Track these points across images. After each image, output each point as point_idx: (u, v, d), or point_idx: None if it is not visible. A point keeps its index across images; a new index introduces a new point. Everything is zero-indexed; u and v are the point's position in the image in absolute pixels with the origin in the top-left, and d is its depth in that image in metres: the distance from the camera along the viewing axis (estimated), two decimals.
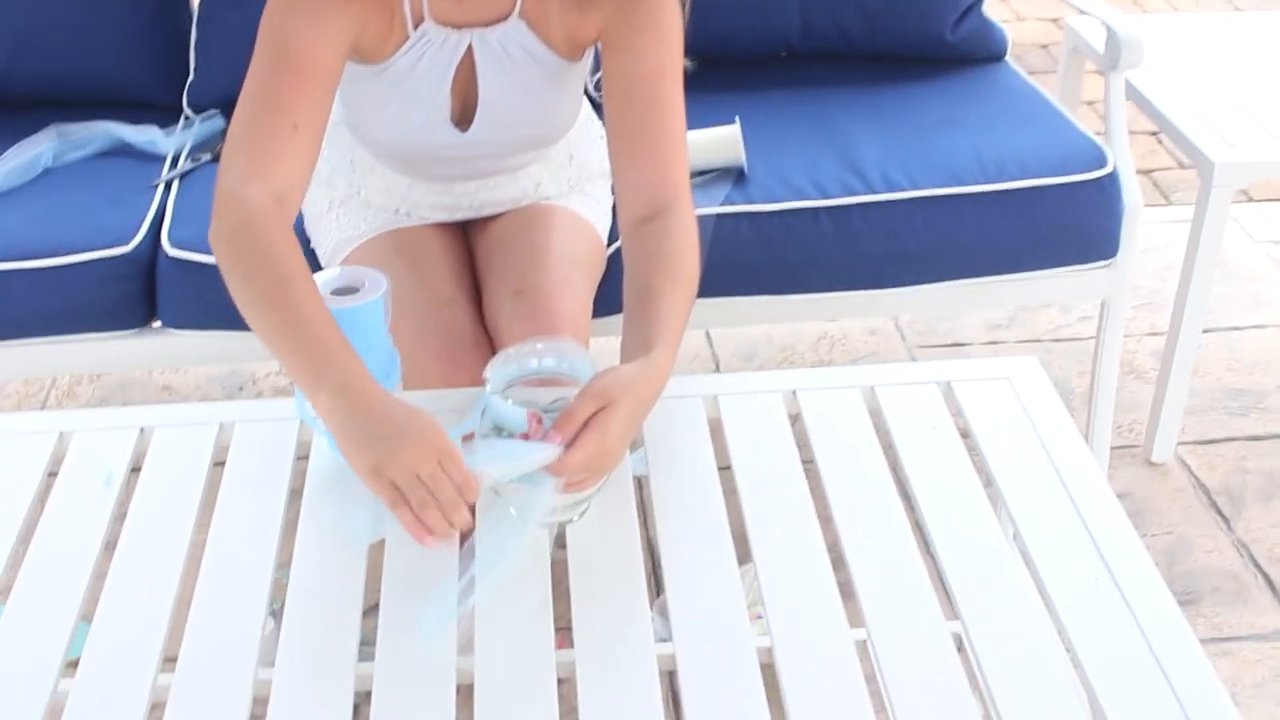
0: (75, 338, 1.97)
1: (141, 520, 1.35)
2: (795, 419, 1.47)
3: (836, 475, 1.38)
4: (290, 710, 1.14)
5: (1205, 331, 2.66)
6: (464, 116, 1.63)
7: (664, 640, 1.20)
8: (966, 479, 1.37)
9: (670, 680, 1.18)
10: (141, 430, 1.47)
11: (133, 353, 2.00)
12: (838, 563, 1.27)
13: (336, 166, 1.82)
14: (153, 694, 1.17)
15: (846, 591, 1.24)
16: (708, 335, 2.70)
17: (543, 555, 1.29)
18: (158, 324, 1.99)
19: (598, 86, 1.58)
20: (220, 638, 1.21)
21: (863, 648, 1.20)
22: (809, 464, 1.39)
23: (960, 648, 1.23)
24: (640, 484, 1.39)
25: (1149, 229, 3.03)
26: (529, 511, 1.31)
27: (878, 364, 2.59)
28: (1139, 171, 3.30)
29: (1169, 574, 2.09)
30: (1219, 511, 2.23)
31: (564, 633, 1.20)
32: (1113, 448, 2.34)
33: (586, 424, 1.23)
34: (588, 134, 1.88)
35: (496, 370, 1.30)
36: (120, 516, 1.36)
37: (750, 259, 1.99)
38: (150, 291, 1.96)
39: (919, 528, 1.32)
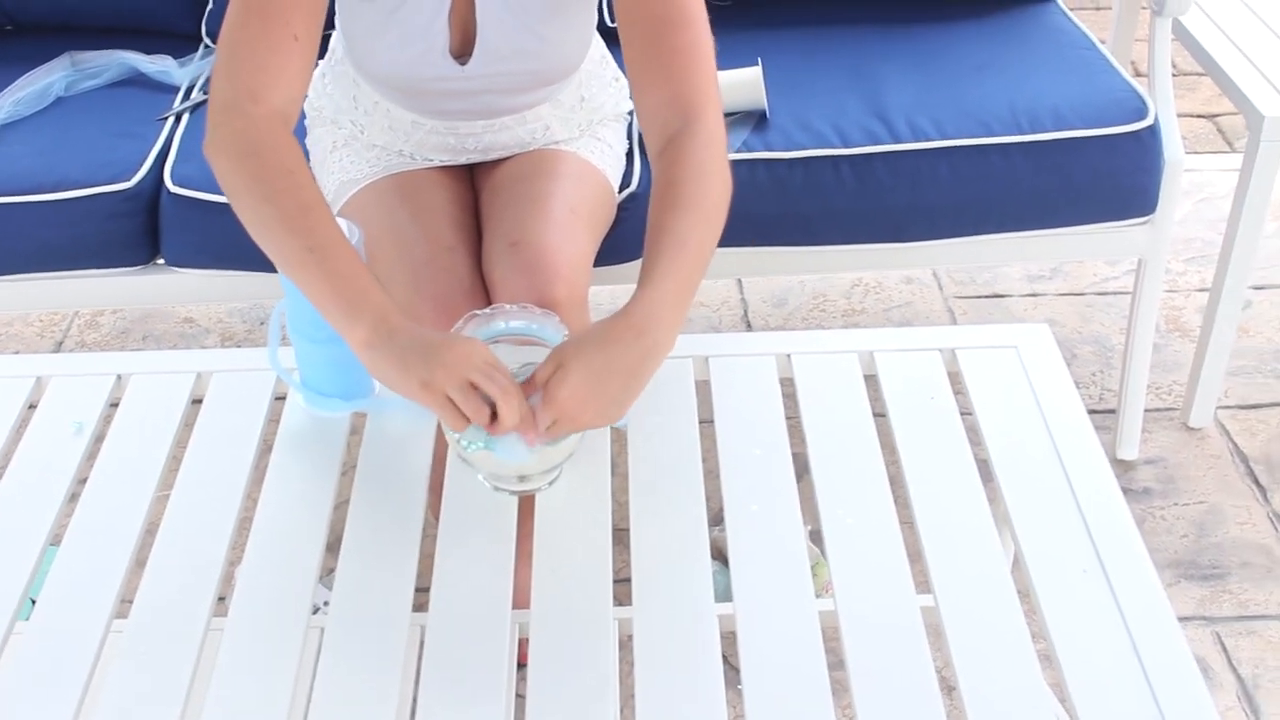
0: (80, 273, 1.95)
1: (111, 463, 1.35)
2: (790, 383, 1.42)
3: (822, 445, 1.33)
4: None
5: (1255, 288, 2.56)
6: (463, 49, 1.58)
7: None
8: (959, 454, 1.31)
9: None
10: (118, 377, 1.45)
11: (138, 290, 1.98)
12: (813, 536, 1.22)
13: (340, 104, 1.77)
14: (105, 636, 1.17)
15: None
16: (739, 281, 2.63)
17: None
18: (161, 261, 1.96)
19: (615, 17, 1.50)
20: (176, 586, 1.20)
21: (830, 617, 1.16)
22: (798, 429, 1.34)
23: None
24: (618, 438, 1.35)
25: (1208, 177, 2.92)
26: (498, 480, 1.27)
27: (889, 326, 2.51)
28: (1200, 116, 3.17)
29: (1197, 545, 2.02)
30: (1256, 481, 2.14)
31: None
32: (1149, 410, 2.26)
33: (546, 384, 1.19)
34: (601, 76, 1.81)
35: (472, 329, 1.25)
36: (92, 457, 1.35)
37: (767, 209, 1.92)
38: (154, 228, 1.93)
39: (904, 502, 1.26)
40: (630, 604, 1.18)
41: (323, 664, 1.12)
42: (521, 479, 1.26)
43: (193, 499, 1.29)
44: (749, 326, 2.50)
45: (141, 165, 1.92)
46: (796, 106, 1.98)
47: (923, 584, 1.18)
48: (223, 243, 1.83)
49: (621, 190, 1.86)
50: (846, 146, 1.90)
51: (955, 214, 1.94)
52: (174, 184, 1.89)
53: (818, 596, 1.18)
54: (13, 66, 2.12)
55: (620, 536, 1.24)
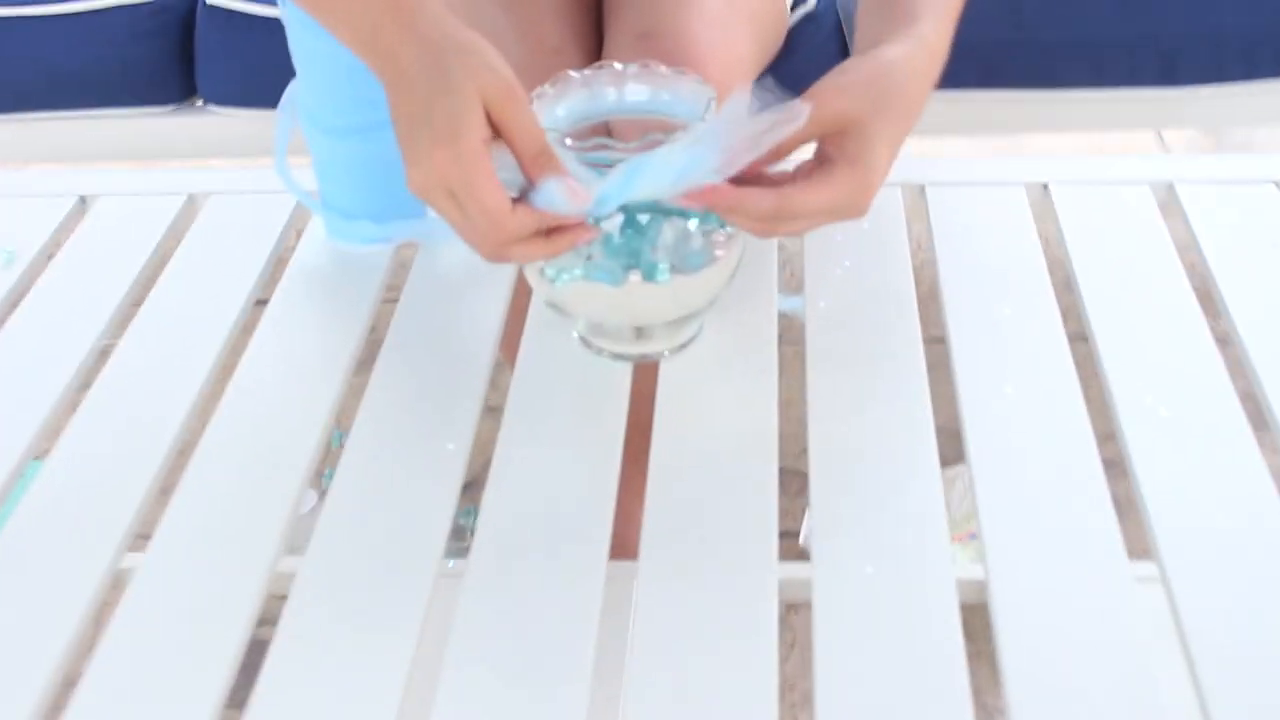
0: (102, 112, 1.56)
1: (44, 302, 0.93)
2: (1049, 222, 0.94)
3: (1106, 315, 0.85)
4: None
5: None
6: None
7: None
8: None
9: None
10: (81, 199, 1.03)
11: (173, 136, 1.59)
12: (1108, 462, 0.75)
13: None
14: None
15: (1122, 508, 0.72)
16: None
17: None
18: (200, 102, 1.55)
19: None
20: (77, 493, 0.77)
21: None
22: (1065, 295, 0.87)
23: None
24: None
25: None
26: (601, 336, 0.82)
27: None
28: None
29: None
30: None
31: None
32: None
33: (829, 154, 0.72)
34: None
35: (552, 103, 0.79)
36: (13, 304, 0.93)
37: (990, 36, 1.45)
38: (188, 57, 1.52)
39: (1248, 397, 0.78)
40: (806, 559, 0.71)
41: (286, 622, 0.68)
42: (639, 333, 0.80)
43: (141, 359, 0.86)
44: None
45: None
46: None
47: None
48: (270, 73, 1.40)
49: (794, 9, 1.40)
50: None
51: (1251, 46, 1.45)
52: None
53: None
54: None
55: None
